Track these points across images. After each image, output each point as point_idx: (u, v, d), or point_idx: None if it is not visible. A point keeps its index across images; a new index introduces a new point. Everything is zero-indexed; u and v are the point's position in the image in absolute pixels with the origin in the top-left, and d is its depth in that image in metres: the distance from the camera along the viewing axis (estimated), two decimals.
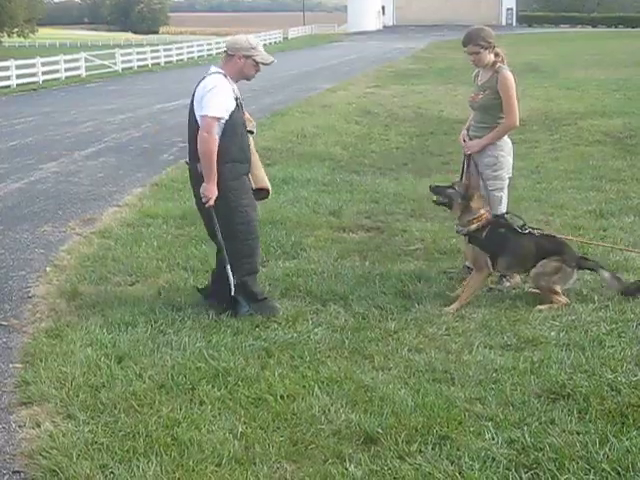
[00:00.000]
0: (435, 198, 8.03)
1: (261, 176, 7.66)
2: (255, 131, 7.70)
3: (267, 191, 7.75)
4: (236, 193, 7.21)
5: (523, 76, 28.68)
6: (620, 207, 11.20)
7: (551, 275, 7.60)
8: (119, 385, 5.98)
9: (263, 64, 7.34)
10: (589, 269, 7.95)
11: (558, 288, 7.60)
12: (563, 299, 7.58)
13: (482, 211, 7.77)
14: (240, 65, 7.23)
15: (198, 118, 7.07)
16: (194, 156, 7.18)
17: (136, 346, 6.66)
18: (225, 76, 7.19)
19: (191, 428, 5.33)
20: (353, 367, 6.23)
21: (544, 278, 7.62)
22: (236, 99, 7.19)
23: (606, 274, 7.79)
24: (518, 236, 7.80)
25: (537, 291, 7.77)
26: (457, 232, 8.04)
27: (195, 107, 7.13)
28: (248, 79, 7.44)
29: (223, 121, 7.03)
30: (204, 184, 7.05)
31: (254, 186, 7.51)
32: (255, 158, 7.57)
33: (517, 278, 8.17)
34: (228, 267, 7.26)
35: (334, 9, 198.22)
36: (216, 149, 6.97)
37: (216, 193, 7.05)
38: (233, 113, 7.11)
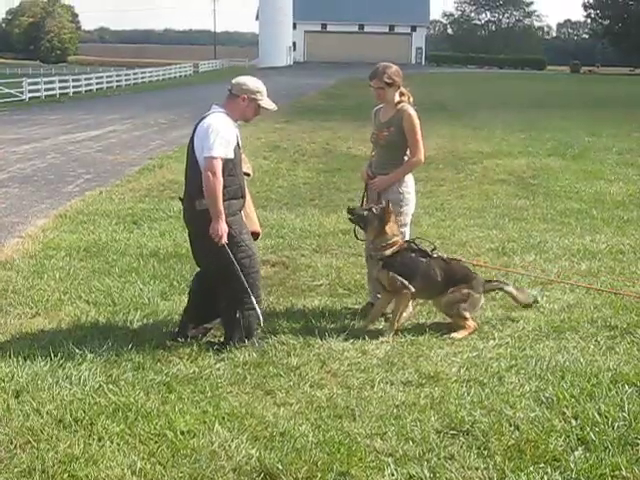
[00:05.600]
0: (351, 217, 8.11)
1: (254, 219, 7.74)
2: (251, 174, 7.74)
3: (257, 234, 7.84)
4: (236, 228, 7.19)
5: (430, 115, 29.07)
6: (522, 245, 11.42)
7: (461, 303, 7.81)
8: (16, 420, 5.85)
9: (266, 109, 7.40)
10: (495, 290, 8.28)
11: (468, 315, 7.82)
12: (473, 324, 7.81)
13: (396, 238, 7.88)
14: (243, 106, 7.26)
15: (200, 158, 7.01)
16: (194, 193, 7.12)
17: (35, 380, 6.52)
18: (227, 115, 7.19)
19: (89, 464, 5.24)
20: (254, 402, 6.21)
21: (454, 306, 7.83)
22: (237, 137, 7.19)
23: (511, 288, 8.27)
24: (429, 260, 7.95)
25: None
26: (370, 257, 8.11)
27: (196, 146, 7.08)
28: (247, 121, 7.49)
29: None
30: (213, 224, 6.97)
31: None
32: (249, 201, 7.61)
33: (411, 309, 8.26)
34: (253, 298, 7.27)
35: (246, 44, 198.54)
36: (221, 188, 6.91)
37: (226, 230, 7.01)
38: (234, 152, 7.09)
